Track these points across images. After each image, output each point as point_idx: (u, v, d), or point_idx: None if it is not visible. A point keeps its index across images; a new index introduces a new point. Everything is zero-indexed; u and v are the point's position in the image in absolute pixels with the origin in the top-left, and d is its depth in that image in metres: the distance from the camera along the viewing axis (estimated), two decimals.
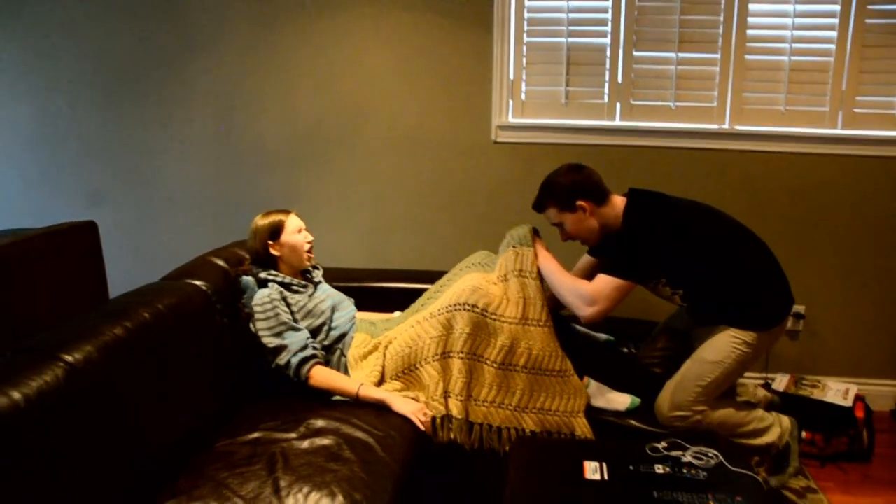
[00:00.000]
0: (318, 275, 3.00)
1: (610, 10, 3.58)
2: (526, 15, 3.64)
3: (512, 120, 3.76)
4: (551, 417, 2.62)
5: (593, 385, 2.73)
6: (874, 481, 3.09)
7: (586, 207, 2.68)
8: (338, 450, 2.22)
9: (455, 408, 2.56)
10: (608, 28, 3.60)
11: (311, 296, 2.84)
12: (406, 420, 2.49)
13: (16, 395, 1.65)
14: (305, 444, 2.26)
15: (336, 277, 3.19)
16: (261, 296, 2.70)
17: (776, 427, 2.74)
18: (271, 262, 2.84)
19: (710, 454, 2.23)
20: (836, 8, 3.45)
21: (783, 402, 3.20)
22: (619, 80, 3.65)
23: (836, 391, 3.34)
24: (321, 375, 2.62)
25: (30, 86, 4.00)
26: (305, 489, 2.01)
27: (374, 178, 3.90)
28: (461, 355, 2.60)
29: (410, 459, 2.32)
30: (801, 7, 3.47)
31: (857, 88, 3.51)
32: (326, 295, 2.91)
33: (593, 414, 2.68)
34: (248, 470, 2.10)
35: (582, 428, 2.62)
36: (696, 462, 2.20)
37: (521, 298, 2.69)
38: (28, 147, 4.06)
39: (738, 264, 2.65)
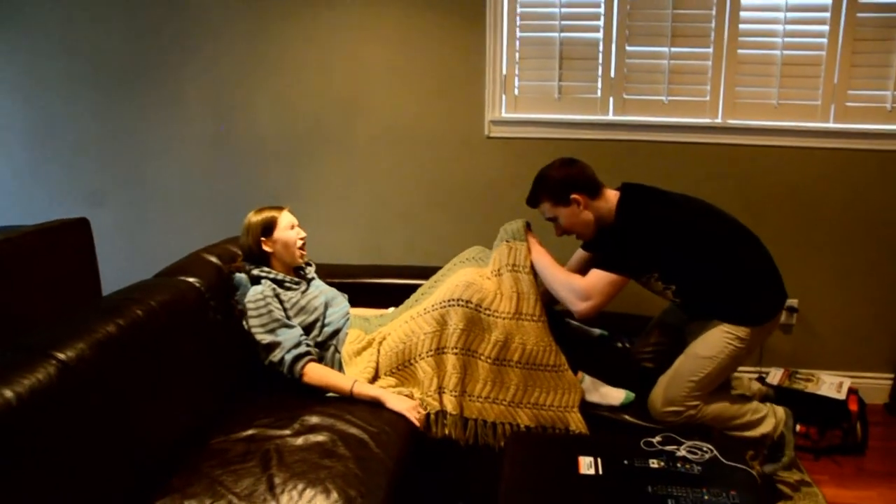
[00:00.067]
0: (310, 271, 2.99)
1: (602, 5, 3.58)
2: (519, 10, 3.63)
3: (505, 115, 3.75)
4: (546, 412, 2.62)
5: (587, 380, 2.73)
6: (868, 474, 3.10)
7: (580, 201, 2.67)
8: (332, 446, 2.22)
9: (449, 403, 2.56)
10: (601, 23, 3.60)
11: (303, 292, 2.83)
12: (400, 416, 2.48)
13: (8, 393, 1.64)
14: (300, 440, 2.25)
15: (330, 273, 3.19)
16: (254, 293, 2.69)
17: (771, 418, 2.74)
18: (264, 259, 2.83)
19: (704, 448, 2.23)
20: (828, 2, 3.44)
21: (777, 396, 3.21)
22: (612, 74, 3.64)
23: (830, 384, 3.35)
24: (315, 372, 2.62)
25: (24, 83, 3.98)
26: (300, 486, 2.01)
27: (367, 173, 3.89)
28: (455, 351, 2.60)
29: (405, 455, 2.32)
30: (792, 1, 3.47)
31: (848, 82, 3.52)
32: (319, 291, 2.90)
33: (588, 409, 2.68)
34: (243, 467, 2.10)
35: (576, 423, 2.62)
36: (690, 456, 2.20)
37: (515, 293, 2.69)
38: (22, 144, 4.05)
39: (730, 259, 2.65)
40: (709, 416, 2.65)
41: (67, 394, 1.79)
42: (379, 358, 2.72)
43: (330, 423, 2.36)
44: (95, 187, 4.04)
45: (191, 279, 2.59)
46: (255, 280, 2.77)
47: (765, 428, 2.72)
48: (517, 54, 3.69)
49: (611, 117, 3.69)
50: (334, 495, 1.98)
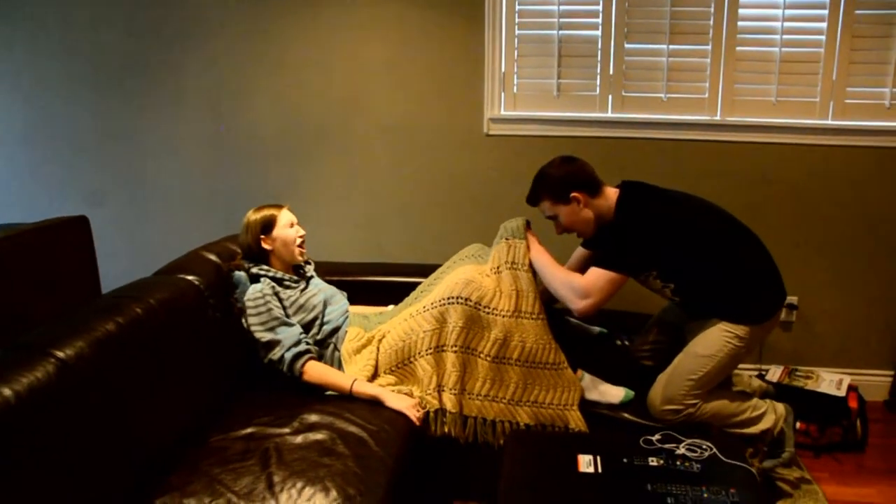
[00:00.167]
0: (310, 269, 2.99)
1: (601, 2, 3.57)
2: (517, 7, 3.63)
3: (504, 112, 3.75)
4: (545, 410, 2.62)
5: (587, 378, 2.73)
6: (868, 471, 3.10)
7: (580, 199, 2.67)
8: (331, 444, 2.22)
9: (449, 402, 2.56)
10: (599, 20, 3.59)
11: (302, 291, 2.83)
12: (400, 414, 2.48)
13: (6, 391, 1.64)
14: (299, 439, 2.25)
15: (329, 271, 3.19)
16: (253, 291, 2.69)
17: (770, 414, 2.74)
18: (263, 257, 2.83)
19: (703, 446, 2.24)
20: None
21: (777, 393, 3.21)
22: (611, 71, 3.64)
23: (830, 382, 3.35)
24: (315, 371, 2.62)
25: (22, 82, 3.97)
26: (299, 484, 2.01)
27: (366, 171, 3.89)
28: (455, 349, 2.60)
29: (404, 453, 2.32)
30: None
31: (847, 79, 3.51)
32: (318, 289, 2.90)
33: (587, 407, 2.68)
34: (242, 465, 2.10)
35: (576, 421, 2.62)
36: (689, 454, 2.20)
37: (514, 291, 2.69)
38: (20, 143, 4.04)
39: (730, 258, 2.65)
40: (708, 413, 2.65)
41: (66, 392, 1.79)
42: (378, 356, 2.72)
43: (329, 421, 2.36)
44: (95, 186, 4.03)
45: (190, 277, 2.59)
46: (255, 278, 2.76)
47: (764, 424, 2.72)
48: (516, 52, 3.68)
49: (610, 115, 3.69)
50: (333, 493, 1.98)
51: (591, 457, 2.18)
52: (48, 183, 4.06)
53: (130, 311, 2.16)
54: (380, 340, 2.75)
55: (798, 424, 3.12)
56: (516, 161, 3.74)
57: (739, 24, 3.51)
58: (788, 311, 3.69)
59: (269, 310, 2.65)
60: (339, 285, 3.07)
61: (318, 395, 2.57)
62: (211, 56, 3.83)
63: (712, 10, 3.51)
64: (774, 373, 3.47)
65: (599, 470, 2.13)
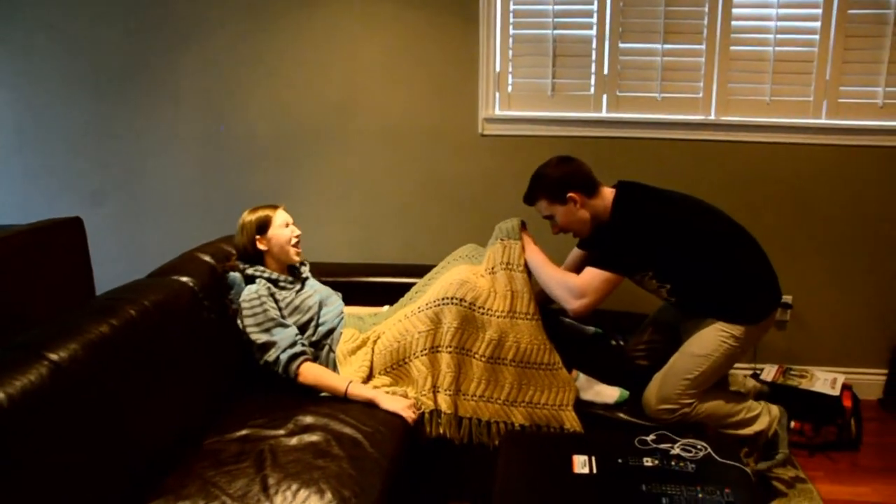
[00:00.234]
0: (305, 271, 2.98)
1: (595, 2, 3.57)
2: (511, 7, 3.63)
3: (498, 112, 3.75)
4: (540, 411, 2.62)
5: (582, 378, 2.73)
6: (862, 470, 3.10)
7: (577, 199, 2.67)
8: (326, 446, 2.22)
9: (444, 402, 2.56)
10: (594, 20, 3.59)
11: (298, 292, 2.83)
12: (395, 415, 2.48)
13: None
14: (294, 440, 2.25)
15: (324, 272, 3.18)
16: (248, 292, 2.68)
17: (765, 416, 2.75)
18: (258, 258, 2.82)
19: (698, 446, 2.24)
20: None
21: (772, 393, 3.21)
22: (605, 71, 3.64)
23: (824, 381, 3.35)
24: (310, 372, 2.61)
25: (16, 85, 3.96)
26: (294, 486, 2.01)
27: (361, 172, 3.89)
28: (449, 350, 2.60)
29: (399, 455, 2.32)
30: None
31: (840, 78, 3.52)
32: (314, 290, 2.90)
33: (582, 407, 2.68)
34: (237, 468, 2.10)
35: (571, 421, 2.62)
36: (684, 454, 2.20)
37: (509, 291, 2.69)
38: (14, 144, 4.02)
39: (725, 258, 2.65)
40: (703, 414, 2.65)
41: (60, 395, 1.79)
42: (373, 357, 2.71)
43: (324, 422, 2.35)
44: (90, 187, 4.01)
45: (184, 279, 2.58)
46: (250, 279, 2.76)
47: (759, 426, 2.72)
48: (510, 51, 3.68)
49: (604, 114, 3.69)
50: (328, 496, 1.98)
51: (585, 457, 2.18)
52: (43, 184, 4.05)
53: (124, 312, 2.16)
54: (374, 341, 2.75)
55: (792, 424, 3.13)
56: (511, 161, 3.74)
57: (733, 23, 3.52)
58: (783, 310, 3.69)
59: (265, 311, 2.65)
60: (334, 286, 3.07)
61: (313, 397, 2.57)
62: (207, 58, 3.82)
63: (706, 9, 3.51)
64: (769, 372, 3.48)
65: (594, 470, 2.13)
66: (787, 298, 3.66)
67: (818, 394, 3.25)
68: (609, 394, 2.73)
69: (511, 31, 3.65)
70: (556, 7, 3.60)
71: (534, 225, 2.94)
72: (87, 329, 2.00)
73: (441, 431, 2.55)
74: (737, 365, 2.91)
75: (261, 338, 2.62)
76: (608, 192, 2.72)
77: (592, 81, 3.67)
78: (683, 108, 3.64)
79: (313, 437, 2.26)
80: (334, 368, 2.72)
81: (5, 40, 3.91)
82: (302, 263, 2.99)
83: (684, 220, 2.65)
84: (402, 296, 3.00)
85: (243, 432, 2.30)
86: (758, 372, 3.52)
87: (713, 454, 2.20)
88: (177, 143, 3.95)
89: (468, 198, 3.84)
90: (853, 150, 3.56)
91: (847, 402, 3.23)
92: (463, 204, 3.85)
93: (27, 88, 3.96)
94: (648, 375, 2.72)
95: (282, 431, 2.30)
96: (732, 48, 3.54)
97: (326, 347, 2.78)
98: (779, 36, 3.51)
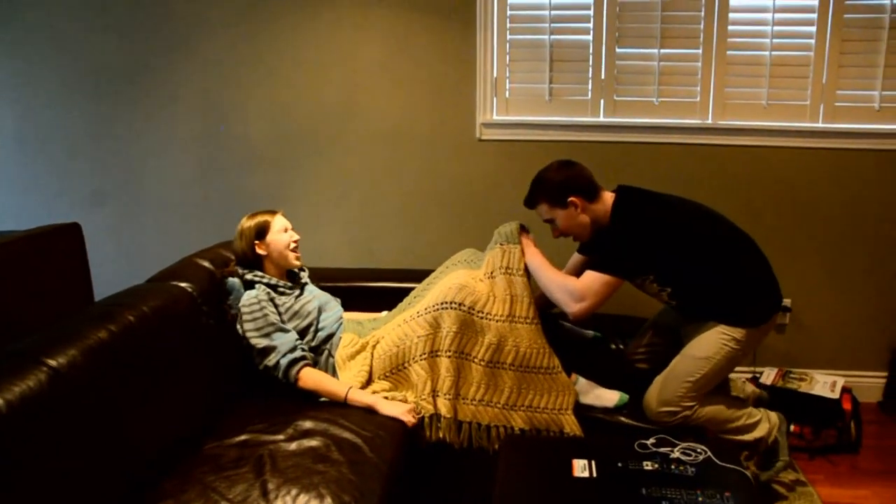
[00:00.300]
0: (304, 276, 2.98)
1: (592, 7, 3.58)
2: (509, 12, 3.64)
3: (496, 117, 3.75)
4: (540, 415, 2.62)
5: (582, 382, 2.73)
6: (862, 472, 3.10)
7: (577, 203, 2.67)
8: (326, 451, 2.21)
9: (443, 407, 2.55)
10: (591, 24, 3.60)
11: (297, 297, 2.83)
12: (394, 419, 2.48)
13: None
14: (293, 445, 2.24)
15: (323, 277, 3.18)
16: (248, 296, 2.68)
17: (765, 423, 2.74)
18: (257, 263, 2.82)
19: (698, 450, 2.23)
20: (815, 3, 3.46)
21: (771, 396, 3.21)
22: (603, 76, 3.65)
23: (824, 384, 3.35)
24: (310, 377, 2.61)
25: (13, 87, 3.96)
26: (294, 491, 2.00)
27: (359, 177, 3.89)
28: (449, 354, 2.60)
29: (399, 459, 2.31)
30: (780, 2, 3.49)
31: (837, 82, 3.53)
32: (313, 296, 2.90)
33: (582, 411, 2.67)
34: (236, 473, 2.09)
35: (571, 425, 2.61)
36: (684, 458, 2.20)
37: (508, 296, 2.69)
38: (11, 149, 4.02)
39: (726, 261, 2.65)
40: (704, 417, 2.65)
41: (59, 401, 1.78)
42: (372, 362, 2.71)
43: (323, 427, 2.35)
44: (88, 192, 4.01)
45: (183, 284, 2.58)
46: (249, 284, 2.76)
47: (759, 433, 2.72)
48: (508, 56, 3.69)
49: (602, 119, 3.70)
50: (328, 500, 1.97)
51: (585, 461, 2.18)
52: (42, 185, 4.05)
53: (123, 318, 2.16)
54: (374, 346, 2.75)
55: (792, 427, 3.12)
56: (509, 166, 3.74)
57: (730, 28, 3.53)
58: (782, 313, 3.69)
59: (265, 315, 2.65)
60: (333, 291, 3.06)
61: (313, 402, 2.56)
62: (206, 59, 3.83)
63: (703, 14, 3.52)
64: (768, 375, 3.48)
65: (594, 474, 2.12)
66: (786, 301, 3.66)
67: (818, 397, 3.25)
68: (609, 397, 2.73)
69: (508, 36, 3.66)
70: (554, 12, 3.61)
71: (533, 228, 2.94)
72: (86, 335, 2.00)
73: (441, 436, 2.55)
74: (736, 368, 2.91)
75: (260, 342, 2.62)
76: (608, 197, 2.73)
77: (590, 86, 3.68)
78: (681, 112, 3.65)
79: (313, 442, 2.26)
80: (333, 373, 2.71)
81: (4, 41, 3.91)
82: (301, 269, 2.99)
83: (684, 224, 2.65)
84: (401, 301, 2.99)
85: (243, 437, 2.30)
86: (757, 375, 3.52)
87: (713, 458, 2.20)
88: (176, 145, 3.95)
89: (466, 202, 3.84)
90: (850, 153, 3.57)
91: (847, 405, 3.23)
92: (461, 208, 3.85)
93: (26, 89, 3.96)
94: (649, 379, 2.72)
95: (281, 436, 2.30)
96: (729, 52, 3.56)
97: (326, 352, 2.78)
98: (775, 40, 3.52)
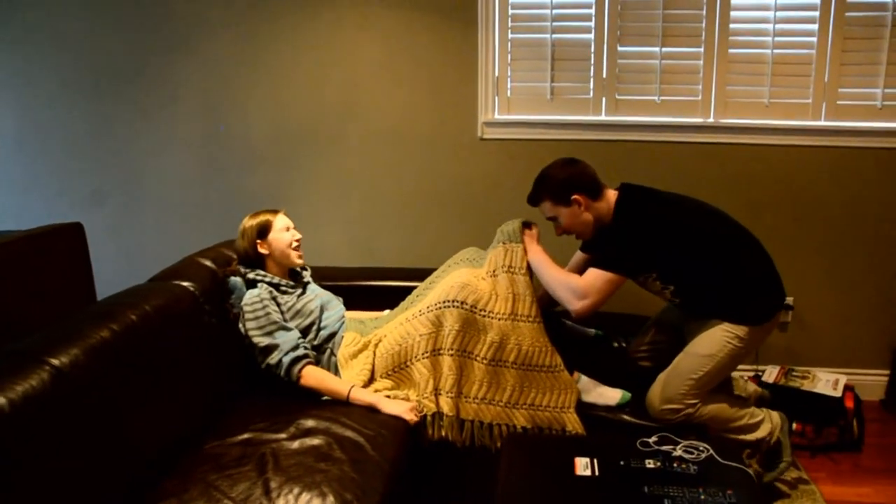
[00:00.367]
0: (306, 275, 2.98)
1: (594, 6, 3.58)
2: (510, 11, 3.63)
3: (498, 116, 3.75)
4: (542, 413, 2.62)
5: (584, 380, 2.73)
6: (865, 470, 3.10)
7: (581, 201, 2.67)
8: (328, 449, 2.21)
9: (446, 405, 2.55)
10: (592, 23, 3.60)
11: (299, 296, 2.83)
12: (396, 418, 2.48)
13: (0, 399, 1.63)
14: (296, 444, 2.24)
15: (325, 276, 3.18)
16: (251, 295, 2.68)
17: (767, 423, 2.74)
18: (259, 262, 2.83)
19: (700, 448, 2.23)
20: (817, 1, 3.46)
21: (773, 394, 3.21)
22: (604, 74, 3.65)
23: (826, 382, 3.35)
24: (313, 376, 2.61)
25: (13, 87, 3.96)
26: (296, 490, 2.00)
27: (361, 176, 3.89)
28: (451, 352, 2.59)
29: (401, 458, 2.31)
30: (782, 0, 3.48)
31: (839, 80, 3.53)
32: (315, 295, 2.90)
33: (584, 409, 2.67)
34: (238, 471, 2.09)
35: (573, 423, 2.61)
36: (686, 456, 2.20)
37: (511, 294, 2.69)
38: (12, 149, 4.03)
39: (729, 259, 2.65)
40: (706, 416, 2.64)
41: (61, 400, 1.78)
42: (375, 360, 2.71)
43: (325, 426, 2.35)
44: (89, 191, 4.02)
45: (185, 283, 2.58)
46: (251, 283, 2.76)
47: (761, 433, 2.71)
48: (509, 55, 3.69)
49: (603, 117, 3.70)
50: (330, 499, 1.97)
51: (587, 459, 2.18)
52: (43, 185, 4.05)
53: (125, 317, 2.16)
54: (376, 345, 2.75)
55: (794, 425, 3.12)
56: (511, 165, 3.74)
57: (731, 26, 3.53)
58: (784, 311, 3.68)
59: (268, 314, 2.65)
60: (335, 290, 3.06)
61: (315, 401, 2.56)
62: (207, 58, 3.83)
63: (704, 12, 3.52)
64: (771, 373, 3.47)
65: (596, 472, 2.12)
66: (788, 299, 3.65)
67: (820, 395, 3.25)
68: (611, 395, 2.73)
69: (510, 35, 3.66)
70: (555, 11, 3.60)
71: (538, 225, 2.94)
72: (89, 334, 2.00)
73: (443, 434, 2.55)
74: (739, 366, 2.90)
75: (263, 341, 2.62)
76: (612, 195, 2.72)
77: (591, 85, 3.68)
78: (682, 111, 3.65)
79: (315, 441, 2.26)
80: (336, 372, 2.71)
81: (4, 41, 3.91)
82: (303, 268, 2.99)
83: (687, 222, 2.65)
84: (403, 299, 2.99)
85: (245, 436, 2.30)
86: (760, 373, 3.51)
87: (715, 456, 2.19)
88: (176, 144, 3.95)
89: (468, 201, 3.84)
90: (852, 151, 3.57)
91: (849, 403, 3.23)
92: (463, 207, 3.85)
93: (26, 89, 3.96)
94: (651, 377, 2.71)
95: (283, 435, 2.29)
96: (731, 51, 3.55)
97: (328, 351, 2.78)
98: (777, 38, 3.52)
